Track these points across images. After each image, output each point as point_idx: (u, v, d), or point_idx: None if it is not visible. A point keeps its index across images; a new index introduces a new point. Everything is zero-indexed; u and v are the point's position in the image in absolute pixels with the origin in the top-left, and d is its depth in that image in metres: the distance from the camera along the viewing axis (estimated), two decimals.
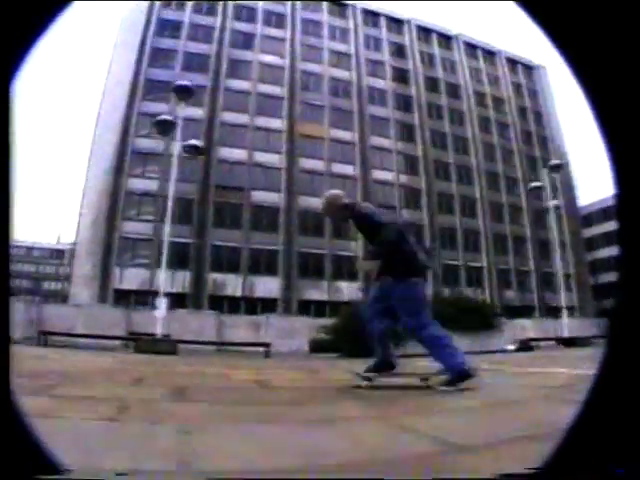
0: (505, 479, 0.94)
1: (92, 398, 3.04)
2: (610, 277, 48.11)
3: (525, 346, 20.02)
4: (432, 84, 51.38)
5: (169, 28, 44.69)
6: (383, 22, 52.38)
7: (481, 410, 2.99)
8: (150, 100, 40.64)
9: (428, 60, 52.80)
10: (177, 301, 34.36)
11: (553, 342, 24.05)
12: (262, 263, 38.27)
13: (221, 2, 46.42)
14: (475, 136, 50.60)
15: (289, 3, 48.20)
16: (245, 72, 43.94)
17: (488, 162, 50.16)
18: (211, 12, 46.36)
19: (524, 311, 40.79)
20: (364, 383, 4.16)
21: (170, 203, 19.55)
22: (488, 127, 52.05)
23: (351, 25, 50.64)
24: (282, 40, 46.73)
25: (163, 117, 19.83)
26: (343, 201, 4.50)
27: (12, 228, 0.93)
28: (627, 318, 0.91)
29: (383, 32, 51.96)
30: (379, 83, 48.73)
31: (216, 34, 45.12)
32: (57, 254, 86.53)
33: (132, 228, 37.87)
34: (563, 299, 28.70)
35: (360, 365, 4.75)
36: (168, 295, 20.03)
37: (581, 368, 5.81)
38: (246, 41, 45.71)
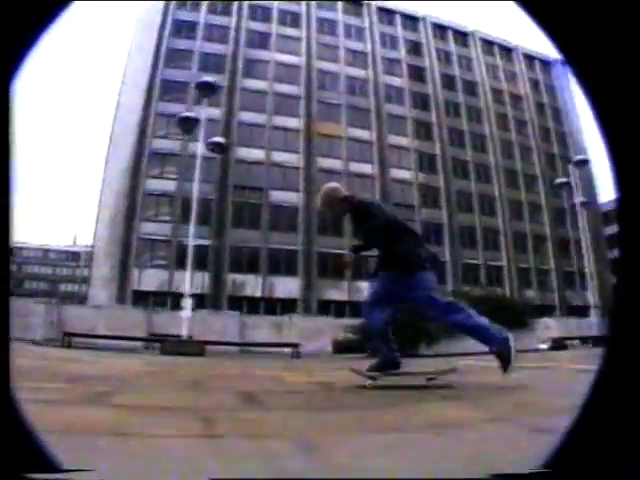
0: (503, 479, 0.93)
1: (163, 408, 2.67)
2: None
3: (559, 345, 19.57)
4: (449, 81, 50.91)
5: (184, 29, 44.70)
6: (398, 20, 52.00)
7: None
8: (167, 101, 40.69)
9: (444, 57, 52.33)
10: (196, 302, 34.23)
11: (577, 341, 23.62)
12: (281, 263, 38.03)
13: (236, 2, 46.30)
14: (493, 133, 50.04)
15: (304, 2, 47.99)
16: (261, 72, 43.80)
17: (506, 159, 49.58)
18: (226, 12, 46.28)
19: (545, 310, 40.16)
20: (368, 382, 3.97)
21: (194, 204, 19.26)
22: (506, 124, 51.46)
23: (366, 23, 50.31)
24: (298, 39, 46.54)
25: (186, 114, 19.61)
26: (342, 194, 4.34)
27: (12, 228, 0.92)
28: (627, 318, 0.90)
29: (399, 30, 51.58)
30: (396, 81, 48.36)
31: (232, 34, 45.03)
32: (73, 256, 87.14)
33: (150, 229, 37.83)
34: (592, 298, 28.20)
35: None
36: (188, 296, 19.68)
37: None
38: (262, 41, 45.60)
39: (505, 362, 3.71)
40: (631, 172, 0.91)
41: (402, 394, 3.63)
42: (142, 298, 35.11)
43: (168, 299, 35.92)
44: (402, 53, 50.36)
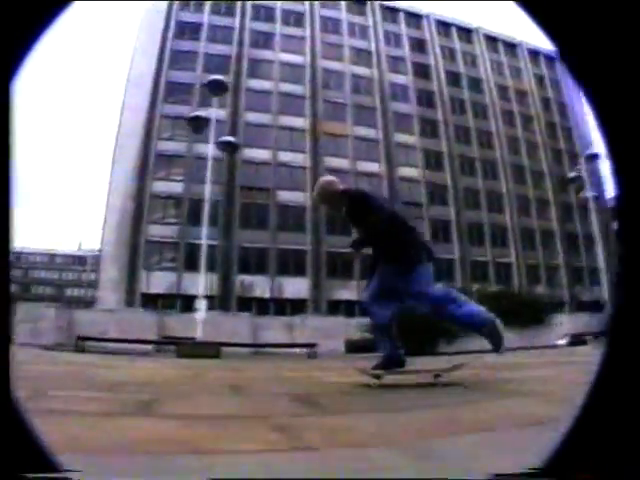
0: (502, 479, 0.92)
1: (225, 418, 2.40)
2: None
3: (578, 340, 19.32)
4: (454, 78, 50.69)
5: (188, 30, 44.63)
6: (402, 18, 51.79)
7: None
8: (172, 103, 40.59)
9: (449, 54, 52.10)
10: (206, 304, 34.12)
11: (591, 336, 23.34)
12: (290, 263, 37.85)
13: (239, 2, 46.20)
14: (499, 130, 49.79)
15: (307, 2, 47.85)
16: (266, 72, 43.68)
17: (513, 156, 49.32)
18: (229, 13, 46.20)
19: (555, 306, 39.91)
20: (373, 382, 3.88)
21: (206, 205, 19.05)
22: (512, 120, 51.20)
23: (370, 22, 50.13)
24: (302, 38, 46.42)
25: (196, 113, 19.43)
26: (339, 187, 4.26)
27: (13, 229, 0.91)
28: (628, 317, 0.90)
29: (402, 28, 51.38)
30: (401, 79, 48.18)
31: (235, 35, 44.93)
32: (79, 260, 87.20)
33: (158, 231, 37.75)
34: (603, 293, 27.92)
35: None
36: (202, 298, 19.47)
37: None
38: (266, 41, 45.49)
39: (497, 341, 3.76)
40: (631, 172, 0.90)
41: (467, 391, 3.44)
42: (151, 301, 34.97)
43: (177, 301, 35.86)
44: (406, 51, 50.15)
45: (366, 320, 20.45)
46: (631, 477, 0.81)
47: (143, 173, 38.55)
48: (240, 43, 44.58)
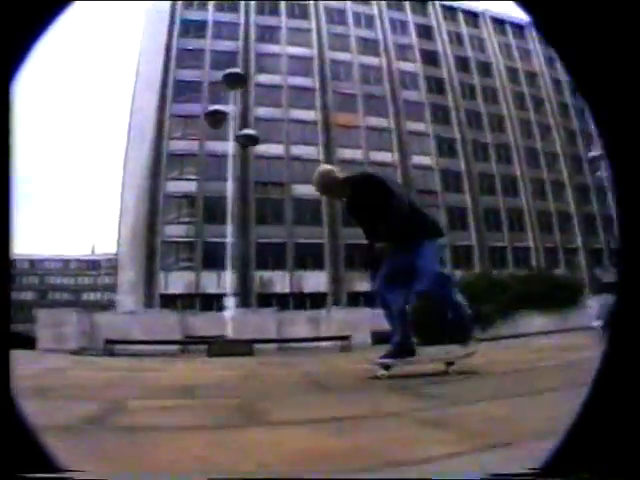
0: (502, 479, 0.94)
1: (377, 418, 2.09)
2: None
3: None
4: (463, 64, 50.08)
5: (193, 28, 44.38)
6: (407, 5, 51.17)
7: None
8: (181, 102, 40.42)
9: (456, 39, 51.42)
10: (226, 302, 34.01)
11: None
12: (308, 258, 37.65)
13: None
14: (511, 113, 49.18)
15: None
16: (274, 66, 43.36)
17: (526, 139, 48.69)
18: (233, 9, 45.84)
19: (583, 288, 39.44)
20: (381, 373, 3.73)
21: (229, 202, 18.77)
22: (523, 103, 50.53)
23: (375, 11, 49.58)
24: (308, 31, 46.03)
25: (214, 107, 19.18)
26: (338, 175, 4.18)
27: (12, 228, 0.92)
28: (628, 316, 0.90)
29: (408, 15, 50.76)
30: (409, 67, 47.65)
31: (241, 30, 44.63)
32: (94, 265, 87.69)
33: (173, 231, 37.68)
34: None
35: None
36: (230, 295, 19.25)
37: None
38: (272, 35, 45.16)
39: (468, 335, 3.90)
40: (631, 172, 0.89)
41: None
42: (170, 301, 34.91)
43: (196, 301, 35.81)
44: (413, 38, 49.55)
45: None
46: (631, 477, 0.80)
47: (156, 173, 38.44)
48: (246, 38, 44.30)
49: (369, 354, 11.31)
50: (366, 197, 4.03)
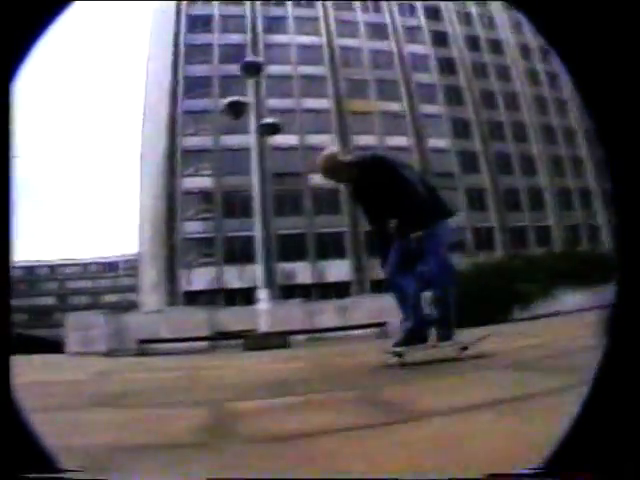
0: (502, 478, 0.94)
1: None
2: None
3: None
4: (473, 43, 49.32)
5: (200, 23, 44.15)
6: None
7: None
8: (192, 97, 40.27)
9: (465, 19, 50.61)
10: (248, 296, 33.91)
11: None
12: (329, 247, 37.44)
13: None
14: (524, 90, 48.40)
15: None
16: (284, 56, 42.96)
17: (541, 115, 47.92)
18: (239, 1, 45.46)
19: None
20: (393, 360, 3.65)
21: (256, 196, 18.46)
22: (536, 79, 49.69)
23: None
24: (315, 19, 45.56)
25: (234, 98, 18.89)
26: (343, 158, 4.03)
27: (12, 229, 0.94)
28: (628, 316, 0.90)
29: None
30: (419, 49, 47.06)
31: (248, 22, 44.29)
32: (112, 267, 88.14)
33: (193, 228, 37.64)
34: None
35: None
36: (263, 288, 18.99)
37: None
38: (279, 25, 44.75)
39: (449, 333, 3.80)
40: (631, 172, 0.89)
41: None
42: (193, 298, 34.90)
43: (220, 296, 35.76)
44: (422, 20, 48.83)
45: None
46: (631, 477, 0.80)
47: (172, 171, 38.39)
48: (254, 30, 43.97)
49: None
50: (375, 180, 3.88)
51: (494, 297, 15.66)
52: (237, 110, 18.76)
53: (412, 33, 47.57)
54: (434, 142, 42.80)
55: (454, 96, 45.85)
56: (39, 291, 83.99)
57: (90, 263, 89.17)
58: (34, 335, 44.44)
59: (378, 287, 35.41)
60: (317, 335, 21.55)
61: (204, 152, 38.56)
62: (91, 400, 2.91)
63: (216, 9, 44.84)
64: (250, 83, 19.95)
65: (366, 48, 45.45)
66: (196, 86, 40.70)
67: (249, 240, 36.40)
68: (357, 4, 47.40)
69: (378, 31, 46.73)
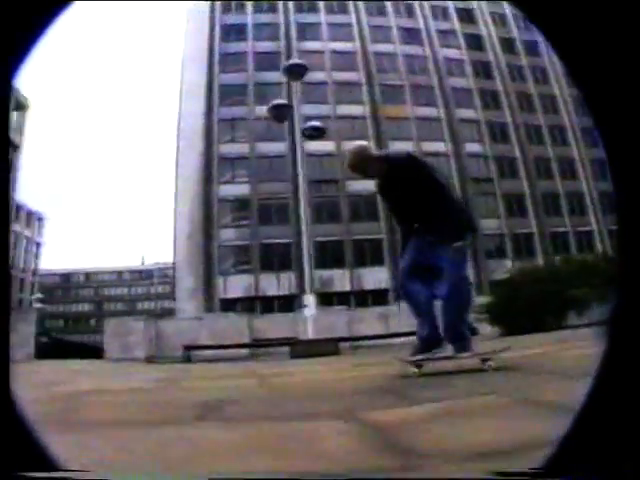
0: (503, 477, 0.93)
1: None
2: None
3: None
4: (508, 45, 48.54)
5: (234, 32, 44.54)
6: None
7: None
8: (227, 105, 40.58)
9: (500, 21, 49.88)
10: (285, 304, 33.82)
11: None
12: (367, 254, 37.13)
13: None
14: (563, 92, 47.30)
15: None
16: (318, 63, 42.84)
17: (581, 117, 46.78)
18: (272, 9, 45.72)
19: None
20: (413, 371, 3.57)
21: (302, 202, 18.37)
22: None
23: None
24: (349, 25, 45.48)
25: (278, 101, 18.98)
26: (372, 152, 3.99)
27: (11, 230, 0.87)
28: (628, 315, 0.90)
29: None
30: (454, 53, 46.50)
31: (282, 30, 44.49)
32: (146, 275, 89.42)
33: (229, 235, 37.79)
34: None
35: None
36: (310, 293, 18.82)
37: None
38: (313, 32, 44.81)
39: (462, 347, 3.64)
40: (631, 172, 0.88)
41: None
42: (230, 305, 34.96)
43: (256, 303, 35.74)
44: (455, 23, 48.31)
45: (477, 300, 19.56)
46: (631, 477, 0.80)
47: (208, 178, 38.66)
48: (287, 38, 44.10)
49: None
50: (406, 177, 3.76)
51: (548, 303, 15.16)
52: (281, 113, 18.76)
53: (446, 37, 47.08)
54: (471, 147, 42.23)
55: (490, 100, 45.17)
56: (75, 298, 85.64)
57: (125, 271, 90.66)
58: (72, 341, 45.24)
59: None
60: (358, 343, 21.37)
61: (240, 159, 38.73)
62: (186, 412, 2.51)
63: (249, 18, 45.17)
64: (292, 87, 19.97)
65: (400, 53, 45.13)
66: (231, 94, 41.01)
67: (286, 247, 36.55)
68: (390, 9, 47.17)
69: (412, 35, 46.39)
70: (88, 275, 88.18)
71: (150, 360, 19.36)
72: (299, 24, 44.99)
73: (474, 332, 3.96)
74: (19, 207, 58.45)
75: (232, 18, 45.27)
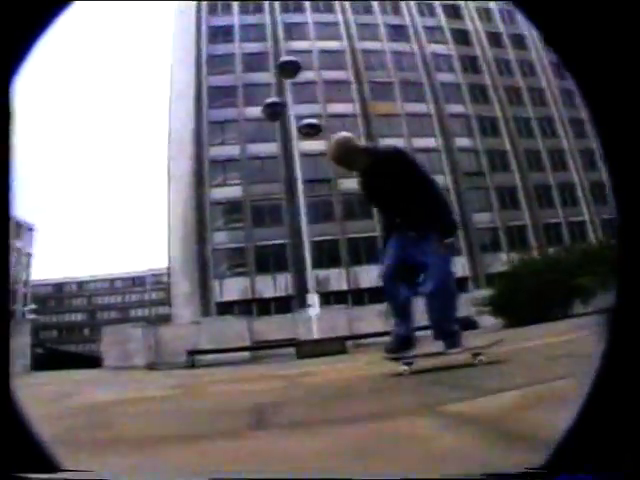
0: (499, 478, 0.93)
1: None
2: None
3: None
4: (495, 39, 48.71)
5: (221, 33, 44.32)
6: None
7: None
8: (217, 107, 40.35)
9: (486, 16, 50.06)
10: (282, 305, 33.66)
11: None
12: (362, 252, 37.00)
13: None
14: (550, 85, 47.55)
15: None
16: (306, 62, 42.65)
17: (569, 109, 47.00)
18: (258, 10, 45.57)
19: None
20: (403, 368, 3.48)
21: (301, 203, 18.20)
22: (562, 73, 48.80)
23: None
24: (335, 24, 45.41)
25: (272, 99, 18.82)
26: (358, 144, 3.86)
27: (10, 231, 0.94)
28: (628, 315, 0.90)
29: None
30: (442, 49, 46.61)
31: (269, 30, 44.33)
32: (138, 282, 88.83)
33: (223, 238, 37.54)
34: None
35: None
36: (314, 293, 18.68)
37: None
38: (300, 32, 44.66)
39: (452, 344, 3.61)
40: (630, 172, 0.88)
41: None
42: (226, 309, 34.73)
43: (253, 306, 35.54)
44: (442, 19, 48.41)
45: (478, 294, 19.49)
46: (631, 477, 0.80)
47: (200, 182, 38.42)
48: (275, 38, 43.96)
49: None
50: (391, 171, 3.64)
51: (553, 292, 15.05)
52: (275, 112, 18.58)
53: (433, 33, 47.18)
54: (462, 141, 42.35)
55: (479, 94, 45.30)
56: (68, 307, 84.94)
57: (117, 278, 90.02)
58: (68, 351, 44.80)
59: None
60: (359, 341, 21.24)
61: (232, 161, 38.51)
62: (234, 420, 2.23)
63: (236, 19, 44.97)
64: (284, 85, 19.79)
65: (388, 50, 45.13)
66: (220, 96, 40.78)
67: (281, 248, 36.39)
68: (376, 7, 47.16)
69: (399, 32, 46.42)
70: (80, 284, 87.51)
71: (151, 367, 19.12)
72: (286, 24, 44.87)
73: (474, 326, 3.83)
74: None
75: (219, 19, 45.07)
